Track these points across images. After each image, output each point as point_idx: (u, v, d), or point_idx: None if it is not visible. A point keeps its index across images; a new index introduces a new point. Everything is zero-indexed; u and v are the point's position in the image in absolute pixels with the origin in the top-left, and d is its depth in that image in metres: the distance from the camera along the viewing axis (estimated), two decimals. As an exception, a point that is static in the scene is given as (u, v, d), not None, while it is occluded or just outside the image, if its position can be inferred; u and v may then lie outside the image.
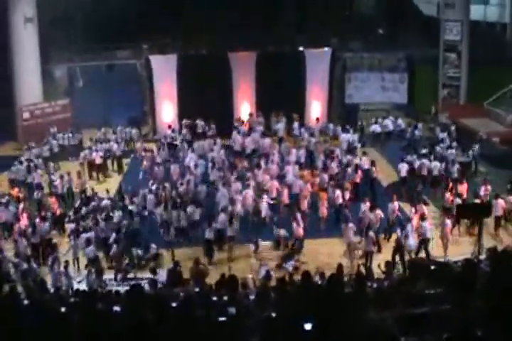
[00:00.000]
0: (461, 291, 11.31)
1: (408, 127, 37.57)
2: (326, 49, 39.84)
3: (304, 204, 26.81)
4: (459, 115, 38.36)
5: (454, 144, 32.82)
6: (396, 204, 26.05)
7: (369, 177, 29.84)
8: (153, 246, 24.37)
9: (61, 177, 30.14)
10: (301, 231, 24.76)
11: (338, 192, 27.29)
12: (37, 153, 34.55)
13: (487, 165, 32.06)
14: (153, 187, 28.70)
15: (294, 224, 24.81)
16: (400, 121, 38.39)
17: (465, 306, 10.57)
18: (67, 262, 22.70)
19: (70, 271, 22.43)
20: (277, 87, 37.49)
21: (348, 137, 35.12)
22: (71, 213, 27.89)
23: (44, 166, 32.99)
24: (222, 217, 25.27)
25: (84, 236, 24.10)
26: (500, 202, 26.09)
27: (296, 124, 37.17)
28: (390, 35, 44.02)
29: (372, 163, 30.24)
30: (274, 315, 10.99)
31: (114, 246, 23.93)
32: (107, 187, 29.86)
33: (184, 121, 37.72)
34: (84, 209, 27.24)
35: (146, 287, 19.53)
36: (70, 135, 37.36)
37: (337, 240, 25.11)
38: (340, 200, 27.13)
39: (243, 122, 37.67)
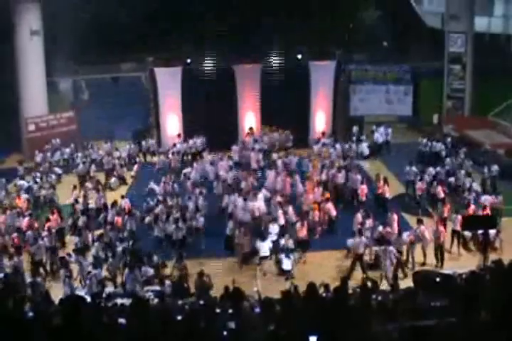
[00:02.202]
0: (466, 304, 11.27)
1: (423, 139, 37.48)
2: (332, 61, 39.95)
3: (315, 216, 27.03)
4: (464, 127, 38.35)
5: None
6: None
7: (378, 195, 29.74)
8: (155, 258, 24.39)
9: (84, 196, 29.95)
10: (304, 232, 25.20)
11: (329, 204, 27.66)
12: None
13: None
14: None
15: (298, 224, 25.26)
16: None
17: (470, 319, 10.54)
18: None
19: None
20: (282, 100, 37.50)
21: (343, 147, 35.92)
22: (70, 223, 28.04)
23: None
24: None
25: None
26: (488, 198, 26.69)
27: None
28: (394, 47, 44.12)
29: (385, 181, 29.88)
30: (279, 327, 10.96)
31: (111, 260, 23.94)
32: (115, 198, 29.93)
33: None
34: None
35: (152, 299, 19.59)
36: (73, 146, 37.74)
37: (335, 252, 25.34)
38: (334, 212, 27.47)
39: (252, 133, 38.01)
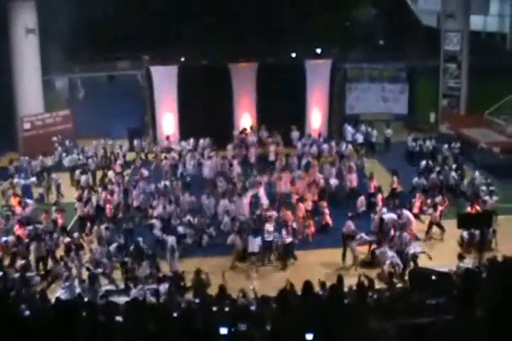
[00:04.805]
0: (462, 301, 11.30)
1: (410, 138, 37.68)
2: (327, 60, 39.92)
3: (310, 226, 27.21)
4: (460, 125, 38.40)
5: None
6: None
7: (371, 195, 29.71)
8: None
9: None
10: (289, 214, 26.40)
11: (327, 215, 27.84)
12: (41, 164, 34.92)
13: (488, 175, 31.86)
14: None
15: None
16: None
17: (466, 316, 10.56)
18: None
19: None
20: (278, 98, 37.41)
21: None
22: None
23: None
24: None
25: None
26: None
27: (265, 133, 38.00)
28: (390, 45, 44.12)
29: (379, 189, 29.64)
30: (275, 325, 10.98)
31: (105, 260, 23.95)
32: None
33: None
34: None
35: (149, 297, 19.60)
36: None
37: (327, 250, 25.51)
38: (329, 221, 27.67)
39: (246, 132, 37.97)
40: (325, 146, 36.26)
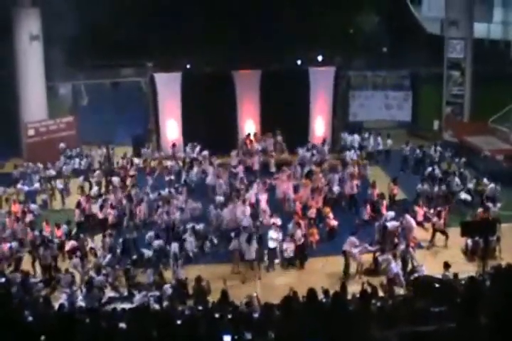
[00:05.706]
0: (465, 309, 11.28)
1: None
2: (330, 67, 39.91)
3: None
4: (463, 133, 38.40)
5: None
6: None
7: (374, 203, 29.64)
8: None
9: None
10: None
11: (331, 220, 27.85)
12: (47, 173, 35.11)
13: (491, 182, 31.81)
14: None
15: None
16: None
17: (469, 324, 10.54)
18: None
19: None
20: (281, 106, 37.44)
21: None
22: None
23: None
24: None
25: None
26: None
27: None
28: (393, 53, 44.11)
29: (381, 196, 29.72)
30: (278, 332, 10.97)
31: (109, 269, 23.98)
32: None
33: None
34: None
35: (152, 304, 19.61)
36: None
37: (331, 258, 25.42)
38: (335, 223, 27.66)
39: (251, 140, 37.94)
40: (322, 153, 36.38)
